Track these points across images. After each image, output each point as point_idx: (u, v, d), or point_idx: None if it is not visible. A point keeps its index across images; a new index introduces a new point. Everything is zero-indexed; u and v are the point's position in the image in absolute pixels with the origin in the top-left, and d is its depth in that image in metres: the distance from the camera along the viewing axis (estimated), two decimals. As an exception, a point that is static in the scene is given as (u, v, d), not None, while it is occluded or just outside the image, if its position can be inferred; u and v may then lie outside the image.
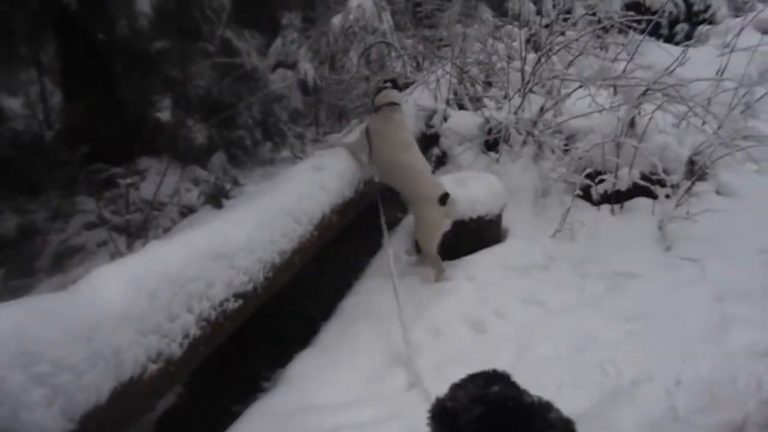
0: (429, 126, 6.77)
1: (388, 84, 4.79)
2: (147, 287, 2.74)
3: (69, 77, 5.85)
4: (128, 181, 4.73)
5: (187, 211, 4.96)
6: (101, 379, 2.37)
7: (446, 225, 4.52)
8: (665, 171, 5.07)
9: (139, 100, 5.51)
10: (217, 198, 4.88)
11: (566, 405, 3.01)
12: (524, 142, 6.05)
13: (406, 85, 5.02)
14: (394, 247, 5.40)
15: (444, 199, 4.41)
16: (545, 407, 1.51)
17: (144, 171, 5.71)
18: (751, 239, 4.50)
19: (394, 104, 4.71)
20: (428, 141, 6.68)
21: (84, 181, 5.20)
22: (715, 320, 3.65)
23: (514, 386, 1.55)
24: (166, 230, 4.69)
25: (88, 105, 5.41)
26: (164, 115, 5.63)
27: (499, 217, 4.99)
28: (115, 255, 4.25)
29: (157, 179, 5.18)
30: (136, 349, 2.57)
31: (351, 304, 4.57)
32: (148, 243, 3.50)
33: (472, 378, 1.60)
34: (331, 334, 4.21)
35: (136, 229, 4.64)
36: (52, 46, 5.97)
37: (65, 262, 4.63)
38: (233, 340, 3.57)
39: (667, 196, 5.00)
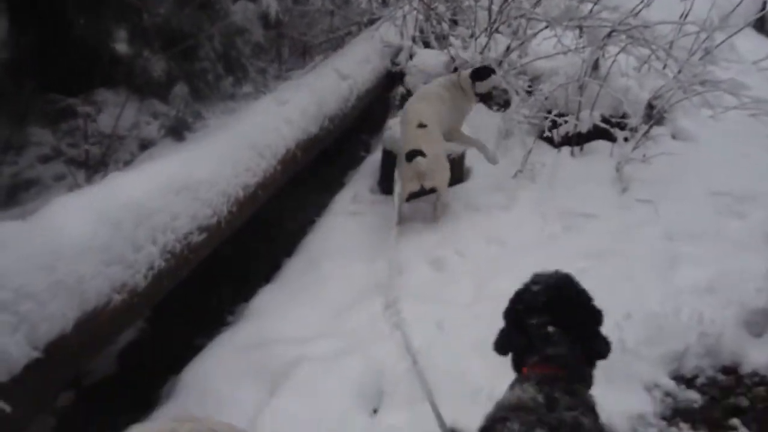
0: (394, 63, 6.70)
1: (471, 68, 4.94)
2: (110, 217, 2.72)
3: (15, 4, 5.53)
4: (87, 109, 4.58)
5: (147, 144, 4.85)
6: (65, 308, 2.37)
7: (428, 184, 4.41)
8: (624, 115, 5.17)
9: (93, 29, 5.24)
10: (178, 131, 4.78)
11: (522, 336, 3.16)
12: (489, 83, 6.04)
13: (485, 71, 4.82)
14: (357, 185, 5.44)
15: (410, 156, 4.26)
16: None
17: (101, 103, 5.52)
18: (702, 182, 4.66)
19: (456, 74, 4.93)
20: (393, 79, 6.63)
21: (37, 113, 5.01)
22: (664, 258, 3.82)
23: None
24: (126, 163, 4.59)
25: (38, 34, 5.15)
26: (121, 46, 5.40)
27: (462, 157, 5.03)
28: (74, 188, 4.15)
29: (115, 112, 5.01)
30: (100, 279, 2.56)
31: (314, 242, 4.60)
32: (108, 175, 3.44)
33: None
34: (294, 270, 4.26)
35: (95, 162, 4.52)
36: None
37: (20, 195, 4.50)
38: (196, 275, 3.59)
39: (626, 139, 5.11)
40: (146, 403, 3.02)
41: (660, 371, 3.05)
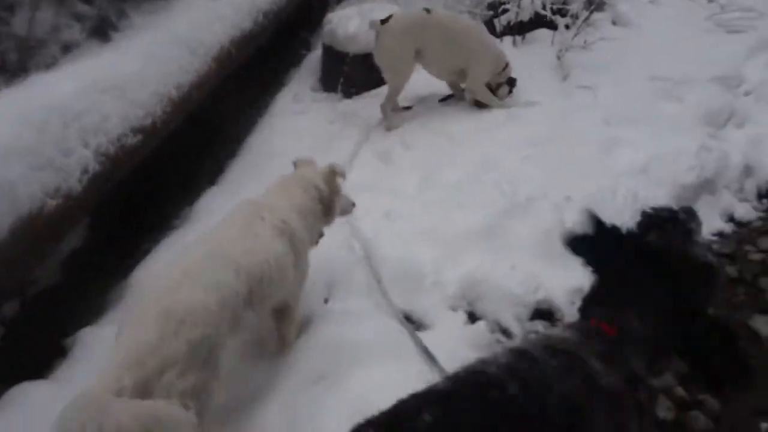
0: (330, -46, 6.38)
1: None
2: (34, 120, 2.58)
3: None
4: (-4, 8, 4.22)
5: (70, 47, 4.53)
6: (-3, 214, 2.28)
7: (374, 53, 4.35)
8: (566, 1, 5.12)
9: None
10: (103, 31, 4.46)
11: (468, 222, 3.25)
12: (429, -28, 5.83)
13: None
14: (298, 84, 5.29)
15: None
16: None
17: (14, 4, 5.08)
18: (641, 67, 4.72)
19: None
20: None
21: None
22: (602, 143, 3.91)
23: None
24: (49, 67, 4.29)
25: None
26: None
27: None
28: (-6, 95, 3.90)
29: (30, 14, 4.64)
30: (30, 183, 2.46)
31: (257, 143, 4.52)
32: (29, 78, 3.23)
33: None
34: (237, 172, 4.19)
35: (13, 68, 4.21)
36: None
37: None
38: (139, 180, 3.50)
39: (567, 27, 5.07)
40: (94, 309, 3.00)
41: (597, 248, 3.17)
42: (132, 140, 3.14)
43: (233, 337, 1.97)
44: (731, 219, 3.54)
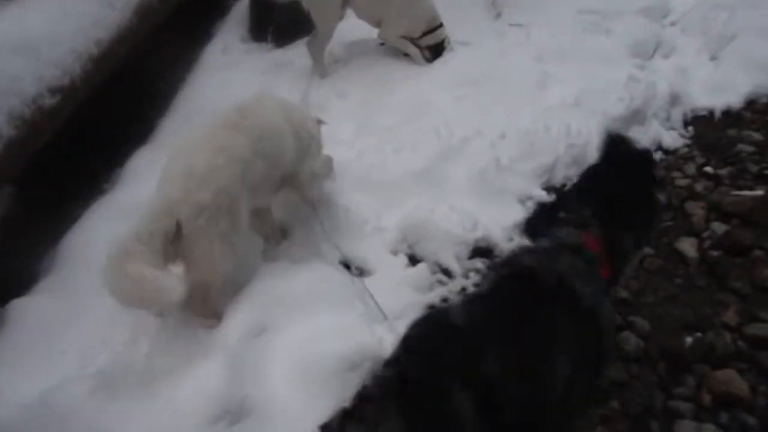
0: None
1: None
2: (-65, 84, 2.42)
3: None
4: None
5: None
6: None
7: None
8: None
9: None
10: (6, -13, 4.19)
11: (405, 166, 3.24)
12: None
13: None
14: (227, 35, 5.12)
15: None
16: None
17: None
18: (571, 2, 4.73)
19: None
20: None
21: None
22: (535, 79, 3.93)
23: None
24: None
25: None
26: None
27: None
28: None
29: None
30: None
31: (187, 99, 4.38)
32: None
33: None
34: (168, 130, 4.06)
35: None
36: None
37: None
38: (65, 145, 3.35)
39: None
40: (25, 279, 2.90)
41: (532, 184, 3.23)
42: (50, 101, 2.99)
43: (245, 188, 2.44)
44: (659, 147, 3.63)
